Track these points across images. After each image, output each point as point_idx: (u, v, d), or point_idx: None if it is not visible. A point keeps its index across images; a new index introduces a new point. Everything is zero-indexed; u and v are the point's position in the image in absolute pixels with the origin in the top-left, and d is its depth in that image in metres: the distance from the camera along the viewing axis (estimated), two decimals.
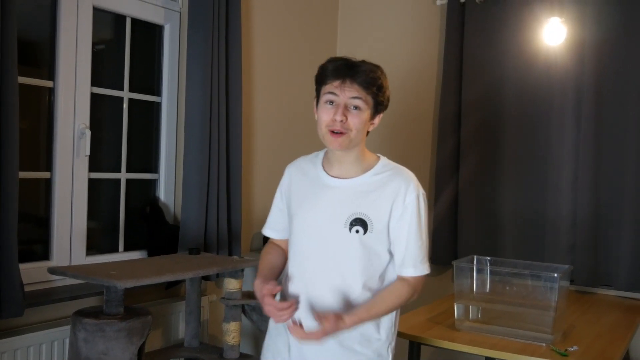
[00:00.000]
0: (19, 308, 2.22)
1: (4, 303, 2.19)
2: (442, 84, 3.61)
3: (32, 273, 2.47)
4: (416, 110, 3.83)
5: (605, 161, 3.16)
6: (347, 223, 1.71)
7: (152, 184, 3.10)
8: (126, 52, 2.92)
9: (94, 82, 2.73)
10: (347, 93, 1.65)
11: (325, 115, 1.66)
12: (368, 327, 1.77)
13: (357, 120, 1.66)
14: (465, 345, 2.25)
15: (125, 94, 2.93)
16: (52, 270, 2.33)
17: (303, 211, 1.80)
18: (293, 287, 1.80)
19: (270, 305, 1.66)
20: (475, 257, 2.59)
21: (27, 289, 2.33)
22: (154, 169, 3.10)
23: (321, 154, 1.85)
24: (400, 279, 1.78)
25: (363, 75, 1.66)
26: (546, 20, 3.22)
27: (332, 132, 1.66)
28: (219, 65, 2.98)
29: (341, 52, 4.10)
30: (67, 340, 2.35)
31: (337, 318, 1.63)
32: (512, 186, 3.39)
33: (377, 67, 1.72)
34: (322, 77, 1.70)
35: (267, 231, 1.98)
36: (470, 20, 3.50)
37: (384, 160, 1.82)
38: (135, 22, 2.95)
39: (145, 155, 3.09)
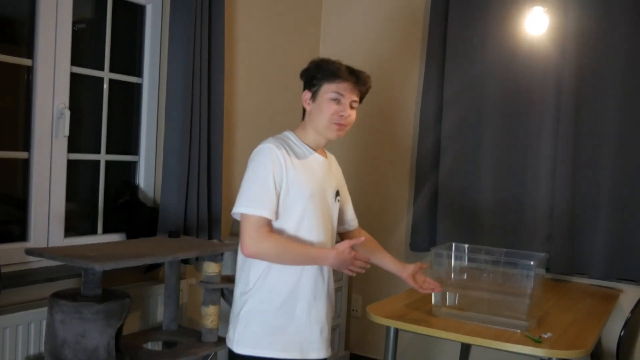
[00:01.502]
0: None
1: None
2: (425, 75, 3.62)
3: (8, 254, 2.45)
4: (398, 101, 3.84)
5: (583, 153, 3.20)
6: (334, 194, 2.05)
7: (132, 166, 3.07)
8: (107, 31, 2.87)
9: (74, 62, 2.69)
10: (352, 95, 1.97)
11: (331, 110, 1.94)
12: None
13: (354, 117, 2.01)
14: (442, 331, 2.28)
15: (106, 74, 2.89)
16: (30, 252, 2.31)
17: (312, 190, 1.93)
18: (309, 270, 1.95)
19: (361, 260, 1.96)
20: (453, 244, 2.62)
21: (3, 270, 2.29)
22: (134, 151, 3.07)
23: (291, 136, 2.01)
24: (358, 230, 2.28)
25: (366, 84, 2.01)
26: (529, 9, 3.24)
27: (337, 124, 1.95)
28: (201, 47, 2.95)
29: (325, 39, 4.09)
30: (44, 322, 2.33)
31: None
32: (491, 177, 3.42)
33: (370, 77, 2.04)
34: (330, 75, 1.94)
35: (265, 212, 1.83)
36: (454, 10, 3.50)
37: None
38: (117, 1, 2.90)
39: (125, 137, 3.06)
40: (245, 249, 1.84)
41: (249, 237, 1.82)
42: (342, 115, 1.94)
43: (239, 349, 1.91)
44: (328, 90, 1.94)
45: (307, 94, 1.98)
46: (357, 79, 1.97)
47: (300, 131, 2.02)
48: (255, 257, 1.87)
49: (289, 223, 1.90)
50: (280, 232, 1.90)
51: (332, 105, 1.93)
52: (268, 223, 1.86)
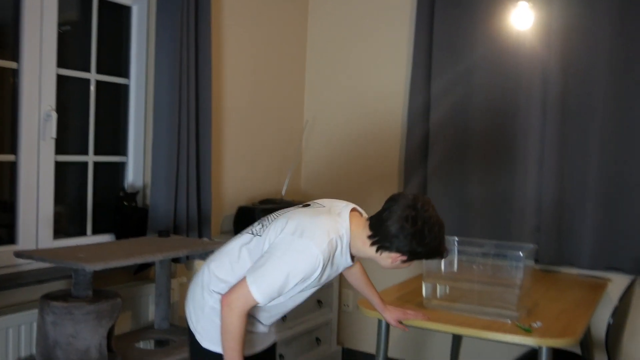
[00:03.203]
0: None
1: None
2: (412, 71, 3.63)
3: None
4: (386, 98, 3.85)
5: (570, 147, 3.23)
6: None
7: (121, 167, 3.07)
8: (93, 33, 2.87)
9: (60, 64, 2.69)
10: None
11: (400, 267, 1.95)
12: None
13: None
14: (433, 323, 2.29)
15: (93, 76, 2.89)
16: (19, 254, 2.30)
17: (324, 281, 1.94)
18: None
19: None
20: None
21: None
22: (122, 151, 3.07)
23: (345, 239, 1.90)
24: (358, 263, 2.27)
25: None
26: (514, 4, 3.26)
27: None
28: (188, 47, 2.95)
29: (311, 38, 4.09)
30: (35, 324, 2.33)
31: None
32: (480, 172, 3.44)
33: None
34: (430, 255, 1.91)
35: (264, 302, 1.84)
36: (441, 4, 3.52)
37: None
38: (103, 2, 2.90)
39: (113, 137, 3.06)
40: (226, 301, 1.81)
41: (236, 301, 1.81)
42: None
43: (204, 344, 1.95)
44: (415, 259, 1.92)
45: (402, 258, 1.89)
46: None
47: (357, 241, 1.92)
48: (222, 308, 1.83)
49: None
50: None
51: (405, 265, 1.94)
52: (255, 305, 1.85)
